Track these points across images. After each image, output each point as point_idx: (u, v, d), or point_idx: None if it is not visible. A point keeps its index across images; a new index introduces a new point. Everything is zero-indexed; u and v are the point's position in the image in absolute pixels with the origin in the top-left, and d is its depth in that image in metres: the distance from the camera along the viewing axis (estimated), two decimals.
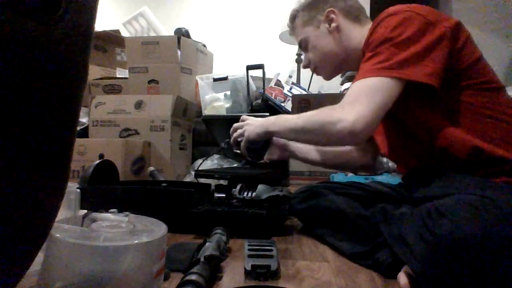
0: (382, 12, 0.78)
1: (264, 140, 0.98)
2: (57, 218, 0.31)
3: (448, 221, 0.53)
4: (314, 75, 1.09)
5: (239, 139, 1.00)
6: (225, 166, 1.59)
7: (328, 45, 0.94)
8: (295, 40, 1.05)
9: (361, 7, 0.97)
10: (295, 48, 2.50)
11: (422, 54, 0.70)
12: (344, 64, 0.97)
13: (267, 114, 1.38)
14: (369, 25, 0.92)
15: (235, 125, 1.02)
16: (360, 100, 0.72)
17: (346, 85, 1.89)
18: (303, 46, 1.00)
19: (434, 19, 0.72)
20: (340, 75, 1.55)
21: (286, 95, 1.89)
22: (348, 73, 1.88)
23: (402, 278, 0.59)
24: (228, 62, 2.67)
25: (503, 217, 0.52)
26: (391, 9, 0.77)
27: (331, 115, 0.75)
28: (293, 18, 1.01)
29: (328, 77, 1.04)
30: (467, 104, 0.73)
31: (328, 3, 0.93)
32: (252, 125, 0.95)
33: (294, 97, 1.67)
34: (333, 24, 0.92)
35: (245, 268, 0.62)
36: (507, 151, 0.69)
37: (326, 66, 0.99)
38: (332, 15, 0.92)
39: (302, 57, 1.04)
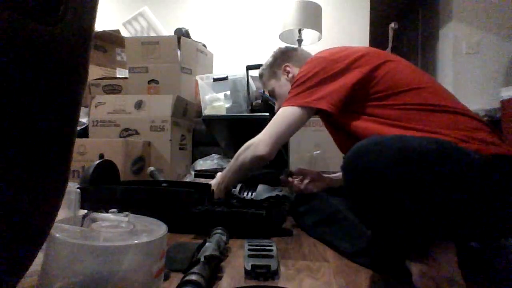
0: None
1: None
2: (57, 218, 0.31)
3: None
4: None
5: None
6: (225, 166, 1.59)
7: (287, 92, 1.03)
8: (266, 92, 1.27)
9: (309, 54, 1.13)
10: None
11: (315, 87, 0.86)
12: None
13: (267, 114, 1.38)
14: None
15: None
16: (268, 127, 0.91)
17: None
18: (271, 95, 1.21)
19: (336, 57, 0.88)
20: None
21: None
22: None
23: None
24: (228, 62, 2.67)
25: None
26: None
27: (249, 142, 0.93)
28: (261, 76, 1.23)
29: None
30: (376, 116, 0.81)
31: (285, 61, 1.14)
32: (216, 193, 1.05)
33: None
34: (290, 75, 1.12)
35: (245, 268, 0.62)
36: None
37: None
38: (288, 68, 1.13)
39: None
